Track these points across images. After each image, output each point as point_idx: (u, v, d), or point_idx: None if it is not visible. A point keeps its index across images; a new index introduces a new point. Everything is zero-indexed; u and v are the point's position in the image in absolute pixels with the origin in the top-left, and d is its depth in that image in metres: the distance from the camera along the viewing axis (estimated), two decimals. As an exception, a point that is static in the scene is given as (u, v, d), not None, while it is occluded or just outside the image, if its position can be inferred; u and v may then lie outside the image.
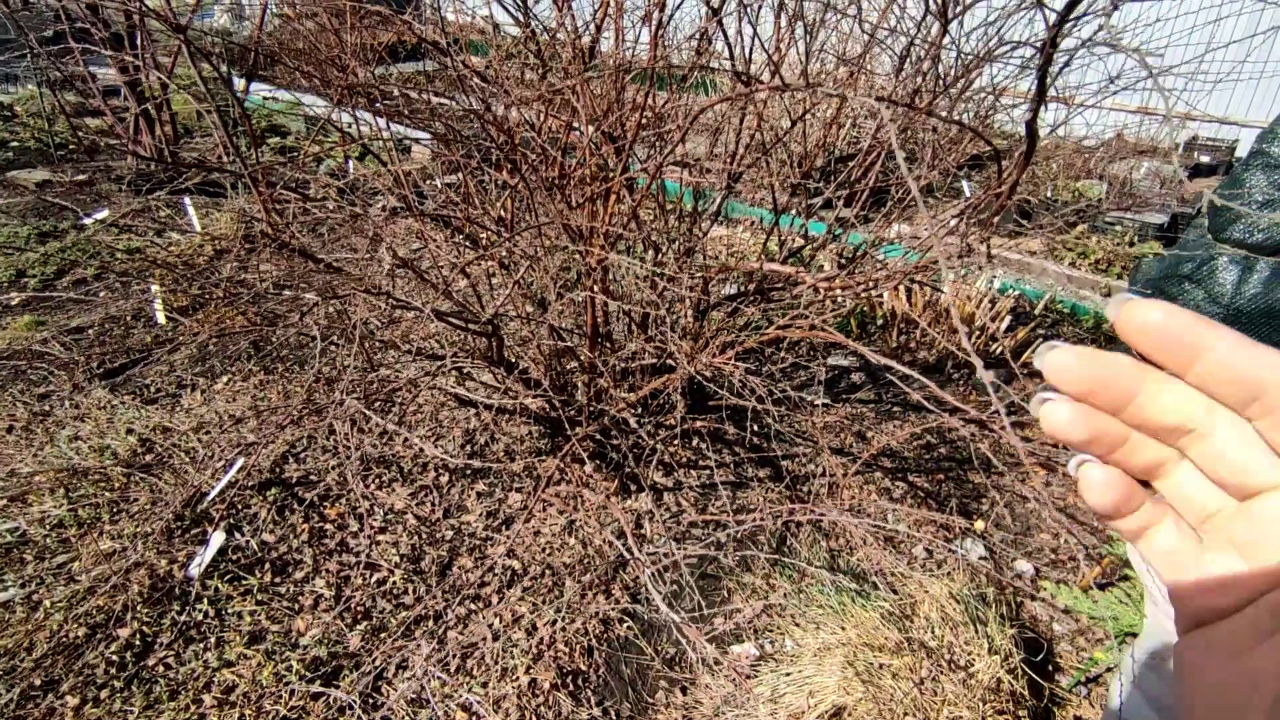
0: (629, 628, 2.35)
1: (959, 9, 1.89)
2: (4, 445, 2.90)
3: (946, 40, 1.96)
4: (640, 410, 2.71)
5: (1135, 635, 2.11)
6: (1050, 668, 2.28)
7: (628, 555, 1.99)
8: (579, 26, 2.16)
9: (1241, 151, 6.72)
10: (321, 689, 2.08)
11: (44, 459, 2.78)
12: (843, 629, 2.18)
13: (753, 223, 5.04)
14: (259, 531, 2.57)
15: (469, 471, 2.89)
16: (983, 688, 1.99)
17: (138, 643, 2.20)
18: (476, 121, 2.12)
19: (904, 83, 2.26)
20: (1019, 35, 2.24)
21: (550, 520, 2.67)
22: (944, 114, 2.34)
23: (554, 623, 2.29)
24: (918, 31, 2.16)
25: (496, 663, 2.17)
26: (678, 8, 2.10)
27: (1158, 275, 2.95)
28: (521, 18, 2.08)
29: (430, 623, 2.31)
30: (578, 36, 2.10)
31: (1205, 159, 6.53)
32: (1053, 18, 1.01)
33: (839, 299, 2.22)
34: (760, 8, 2.21)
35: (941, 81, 2.10)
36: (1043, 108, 1.26)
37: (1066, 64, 1.59)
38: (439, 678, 2.11)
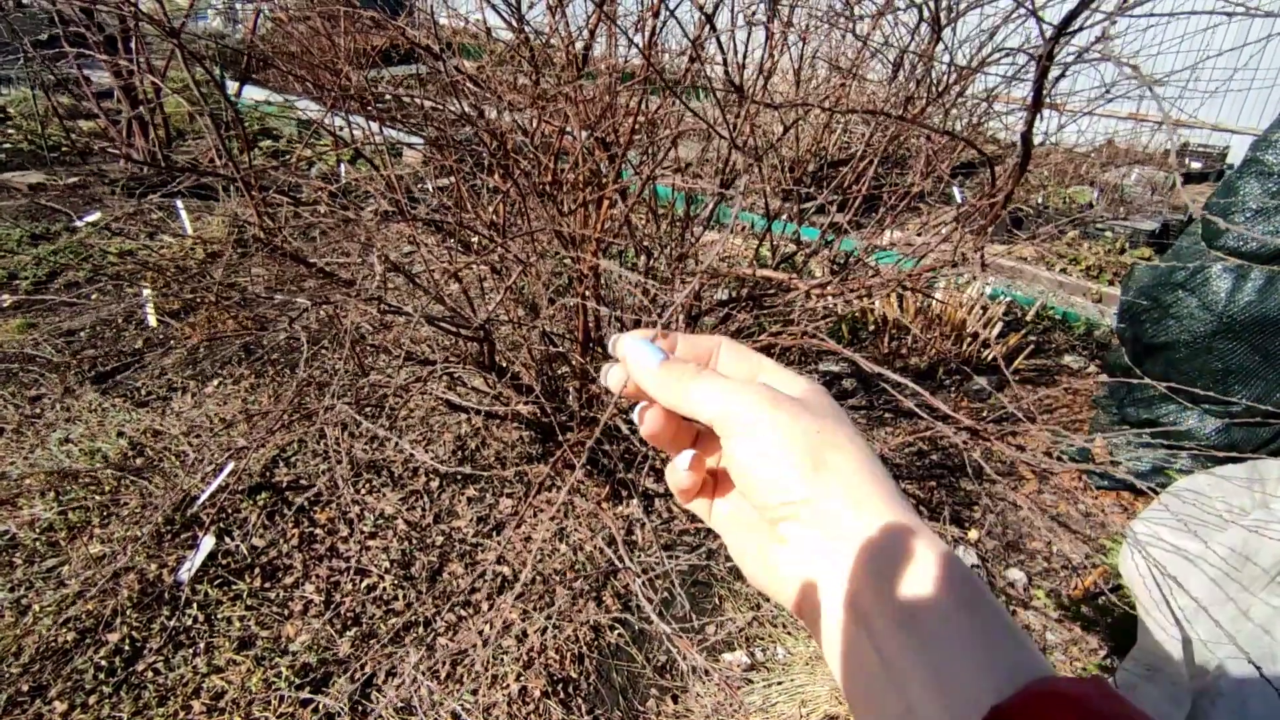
0: (620, 635, 2.34)
1: (952, 17, 1.89)
2: (-7, 448, 2.88)
3: (939, 48, 1.96)
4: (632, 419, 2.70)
5: (1129, 645, 2.11)
6: (1042, 676, 2.28)
7: (618, 563, 1.98)
8: (572, 32, 2.15)
9: (1232, 158, 6.75)
10: (311, 695, 2.07)
11: (34, 462, 2.76)
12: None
13: (745, 228, 5.04)
14: (249, 536, 2.55)
15: (459, 477, 2.89)
16: (974, 696, 1.99)
17: (127, 648, 2.19)
18: (469, 126, 2.12)
19: (897, 90, 2.26)
20: (1011, 41, 2.24)
21: (541, 526, 2.66)
22: (937, 121, 2.35)
23: (544, 630, 2.28)
24: (911, 39, 2.17)
25: (486, 670, 2.16)
26: (671, 14, 2.09)
27: (1150, 283, 2.95)
28: (515, 22, 2.08)
29: (420, 629, 2.30)
30: (571, 42, 2.10)
31: (1196, 165, 6.56)
32: (1048, 29, 1.01)
33: (831, 305, 2.22)
34: (755, 13, 2.21)
35: (934, 89, 2.11)
36: (1037, 118, 1.26)
37: (1062, 75, 1.59)
38: (429, 685, 2.10)
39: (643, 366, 0.50)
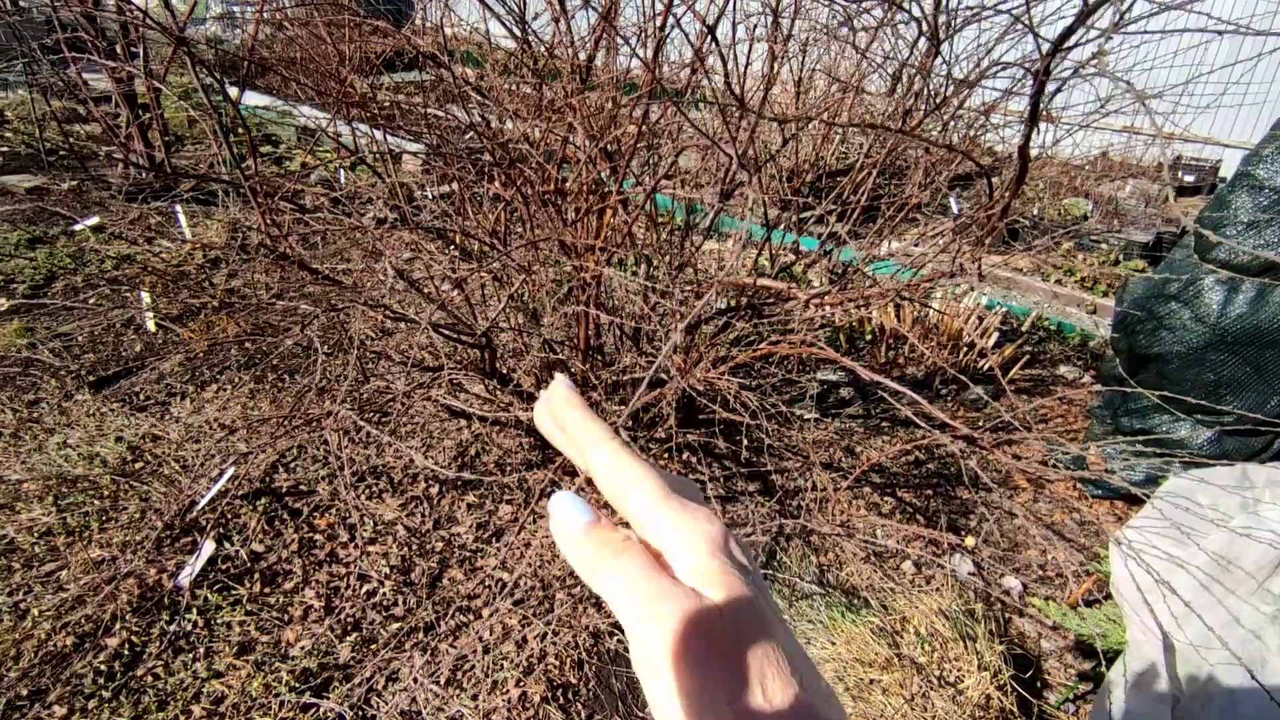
0: (619, 641, 2.35)
1: (950, 31, 1.92)
2: (-8, 452, 2.88)
3: (938, 61, 1.99)
4: (632, 424, 2.72)
5: (1120, 653, 2.13)
6: (1039, 684, 2.30)
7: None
8: (576, 42, 2.18)
9: (1225, 171, 6.81)
10: (312, 700, 2.08)
11: (33, 466, 2.76)
12: (832, 644, 2.19)
13: (744, 236, 5.06)
14: (248, 541, 2.56)
15: (459, 483, 2.90)
16: (972, 704, 2.01)
17: (126, 652, 2.19)
18: (471, 134, 2.14)
19: (896, 103, 2.29)
20: (1008, 56, 2.28)
21: (541, 532, 2.68)
22: (935, 133, 2.38)
23: (544, 635, 2.29)
24: (910, 53, 2.19)
25: (487, 675, 2.17)
26: (674, 26, 2.12)
27: (1144, 295, 2.98)
28: (519, 33, 2.10)
29: (420, 634, 2.30)
30: (576, 53, 2.12)
31: (1189, 178, 6.62)
32: (1045, 45, 1.03)
33: (830, 314, 2.24)
34: (756, 26, 2.24)
35: (932, 101, 2.13)
36: (1033, 131, 1.28)
37: (1058, 90, 1.62)
38: (430, 690, 2.11)
39: (565, 530, 0.42)
